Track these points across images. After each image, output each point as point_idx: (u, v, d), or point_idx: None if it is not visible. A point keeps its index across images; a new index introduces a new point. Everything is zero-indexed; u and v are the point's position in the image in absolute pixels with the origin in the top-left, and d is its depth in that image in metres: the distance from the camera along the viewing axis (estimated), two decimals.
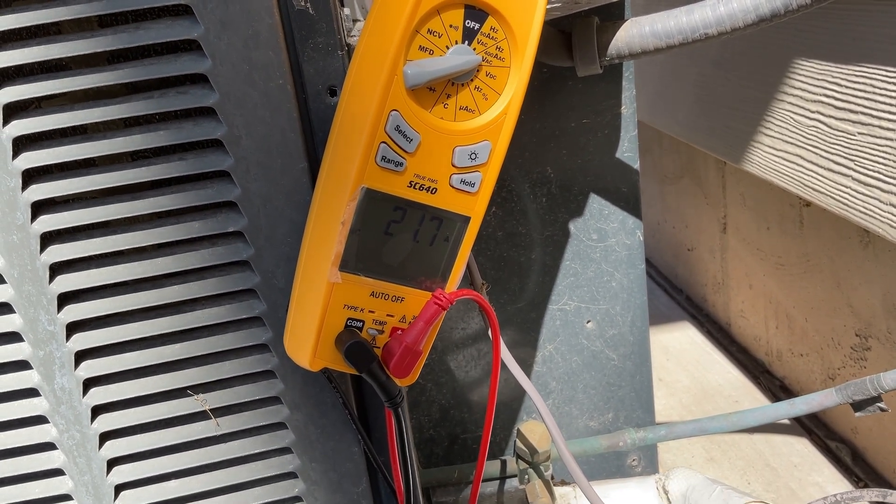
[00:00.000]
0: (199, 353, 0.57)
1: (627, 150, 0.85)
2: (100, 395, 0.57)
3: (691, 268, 1.79)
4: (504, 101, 0.51)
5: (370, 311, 0.52)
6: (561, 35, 0.71)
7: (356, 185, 0.48)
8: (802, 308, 1.35)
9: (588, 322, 0.90)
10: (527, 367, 0.90)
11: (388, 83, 0.47)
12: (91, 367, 0.57)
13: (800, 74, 1.10)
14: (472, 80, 0.49)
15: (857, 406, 0.70)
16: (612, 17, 0.77)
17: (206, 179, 0.55)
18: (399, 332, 0.53)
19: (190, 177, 0.54)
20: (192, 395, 0.58)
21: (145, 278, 0.56)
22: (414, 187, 0.50)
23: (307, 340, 0.51)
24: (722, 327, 1.67)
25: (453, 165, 0.50)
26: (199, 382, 0.58)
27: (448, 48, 0.48)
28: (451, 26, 0.48)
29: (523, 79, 0.51)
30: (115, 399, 0.58)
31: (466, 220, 0.52)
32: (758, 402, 1.43)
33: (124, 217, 0.54)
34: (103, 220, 0.53)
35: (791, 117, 1.13)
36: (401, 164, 0.49)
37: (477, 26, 0.48)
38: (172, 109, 0.52)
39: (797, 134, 1.12)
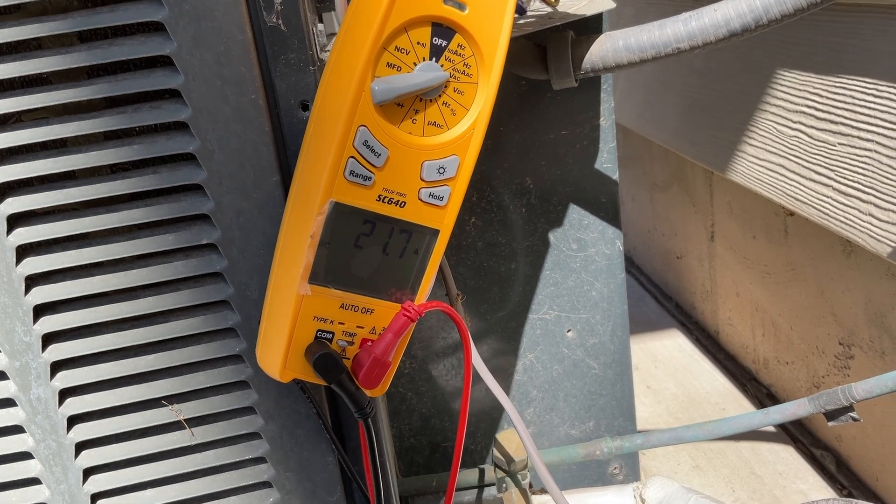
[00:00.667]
0: (174, 364, 0.58)
1: (606, 161, 0.86)
2: (75, 405, 0.58)
3: (680, 275, 1.80)
4: (472, 117, 0.51)
5: (340, 323, 0.53)
6: (537, 49, 0.72)
7: (325, 199, 0.49)
8: (788, 316, 1.36)
9: (568, 331, 0.91)
10: (507, 376, 0.91)
11: (356, 99, 0.48)
12: (67, 378, 0.57)
13: (782, 85, 1.11)
14: (440, 96, 0.50)
15: (830, 416, 0.71)
16: (590, 30, 0.78)
17: (180, 192, 0.56)
18: (369, 343, 0.54)
19: (164, 190, 0.55)
20: (166, 406, 0.59)
21: (120, 290, 0.56)
22: (383, 201, 0.51)
23: (277, 352, 0.52)
24: (710, 335, 1.68)
25: (422, 179, 0.51)
26: (173, 393, 0.59)
27: (415, 65, 0.49)
28: (418, 43, 0.49)
29: (491, 94, 0.51)
30: (90, 409, 0.58)
31: (435, 232, 0.53)
32: (744, 410, 1.44)
33: (99, 230, 0.55)
34: (78, 232, 0.54)
35: (774, 127, 1.14)
36: (369, 179, 0.50)
37: (444, 43, 0.49)
38: (146, 124, 0.53)
39: (780, 144, 1.13)
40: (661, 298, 1.88)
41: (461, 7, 0.49)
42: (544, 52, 0.72)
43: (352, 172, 0.49)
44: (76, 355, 0.57)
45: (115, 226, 0.54)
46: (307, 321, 0.52)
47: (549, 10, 0.70)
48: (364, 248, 0.51)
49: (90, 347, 0.57)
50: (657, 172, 1.82)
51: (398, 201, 0.51)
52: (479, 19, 0.49)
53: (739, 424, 0.74)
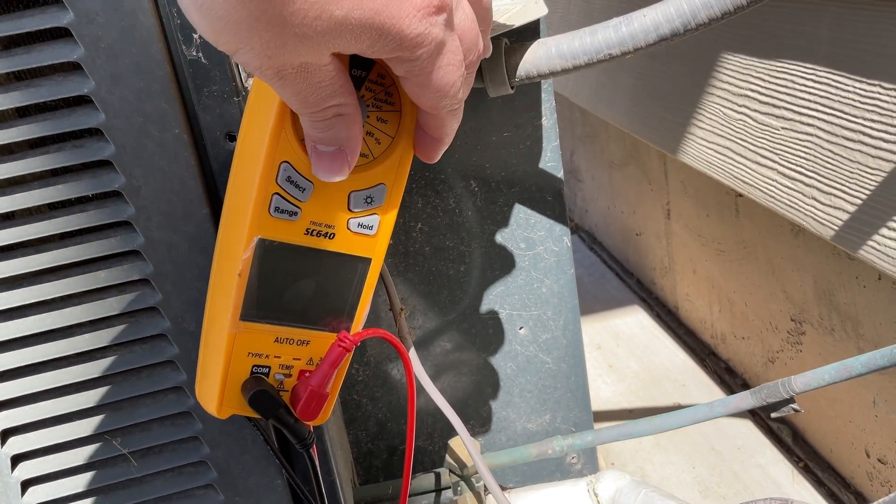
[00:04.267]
0: (115, 399, 0.58)
1: (550, 160, 0.86)
2: (18, 444, 0.58)
3: (640, 252, 1.81)
4: (397, 144, 0.51)
5: (276, 357, 0.53)
6: None
7: (251, 238, 0.49)
8: (742, 293, 1.38)
9: (521, 328, 0.92)
10: (462, 375, 0.92)
11: (277, 136, 0.47)
12: (8, 418, 0.57)
13: (727, 68, 1.12)
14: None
15: (772, 408, 0.73)
16: (526, 34, 0.78)
17: (110, 229, 0.55)
18: (307, 374, 0.54)
19: (93, 228, 0.55)
20: (110, 440, 0.59)
21: (55, 329, 0.56)
22: (311, 234, 0.50)
23: (213, 389, 0.52)
24: (670, 310, 1.70)
25: (349, 210, 0.51)
26: (116, 427, 0.59)
27: None
28: None
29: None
30: (34, 447, 0.58)
31: (367, 261, 0.53)
32: (704, 386, 1.47)
33: (29, 271, 0.54)
34: (9, 275, 0.54)
35: (721, 110, 1.15)
36: (295, 214, 0.49)
37: (364, 74, 0.49)
38: (69, 164, 0.52)
39: (727, 127, 1.14)
40: (622, 275, 1.90)
41: None
42: None
43: (277, 209, 0.49)
44: (16, 395, 0.57)
45: (46, 266, 0.54)
46: (241, 358, 0.52)
47: None
48: (295, 282, 0.51)
49: (29, 387, 0.57)
50: (614, 151, 1.83)
51: (327, 233, 0.51)
52: None
53: (685, 418, 0.75)
